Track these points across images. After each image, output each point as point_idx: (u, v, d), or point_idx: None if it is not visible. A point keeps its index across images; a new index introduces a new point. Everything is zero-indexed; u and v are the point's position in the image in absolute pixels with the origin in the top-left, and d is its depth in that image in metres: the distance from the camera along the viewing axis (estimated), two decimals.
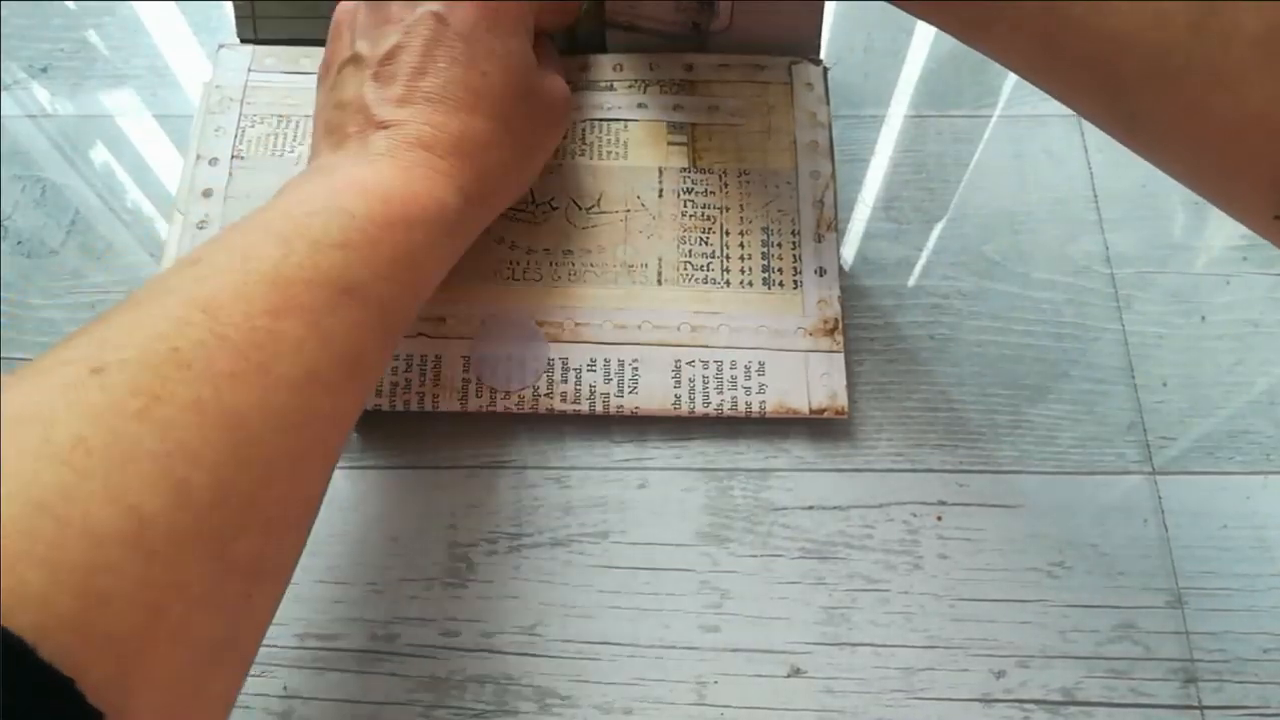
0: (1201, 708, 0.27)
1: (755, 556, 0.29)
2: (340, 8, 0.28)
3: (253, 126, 0.34)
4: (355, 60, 0.27)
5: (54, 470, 0.16)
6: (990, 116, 0.36)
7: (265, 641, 0.27)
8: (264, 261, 0.21)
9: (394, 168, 0.25)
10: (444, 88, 0.26)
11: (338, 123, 0.26)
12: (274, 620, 0.27)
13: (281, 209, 0.23)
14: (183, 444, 0.17)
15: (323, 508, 0.29)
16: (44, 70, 0.37)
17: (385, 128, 0.25)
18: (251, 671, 0.27)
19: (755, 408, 0.30)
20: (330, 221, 0.22)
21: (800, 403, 0.30)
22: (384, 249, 0.23)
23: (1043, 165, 0.35)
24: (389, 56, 0.26)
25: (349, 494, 0.30)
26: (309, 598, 0.28)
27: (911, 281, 0.33)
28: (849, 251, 0.33)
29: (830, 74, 0.35)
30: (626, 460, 0.30)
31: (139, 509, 0.16)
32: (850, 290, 0.32)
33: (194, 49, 0.38)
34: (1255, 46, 0.18)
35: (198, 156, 0.33)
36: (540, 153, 0.30)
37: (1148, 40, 0.19)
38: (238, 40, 0.35)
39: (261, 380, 0.19)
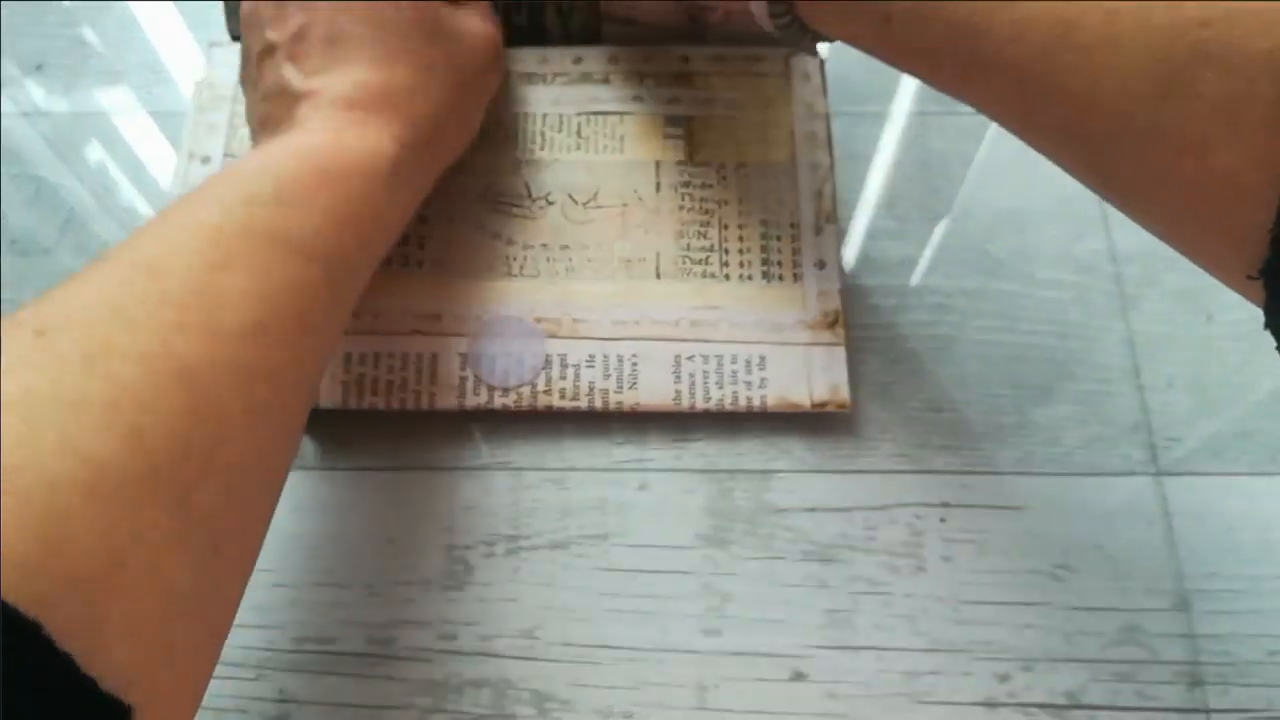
0: (1207, 711, 0.26)
1: (757, 559, 0.28)
2: (243, 9, 0.29)
3: (245, 124, 0.33)
4: (269, 50, 0.27)
5: (6, 420, 0.16)
6: None
7: (261, 645, 0.27)
8: (202, 223, 0.21)
9: (323, 129, 0.25)
10: (357, 48, 0.26)
11: (267, 113, 0.27)
12: (269, 623, 0.27)
13: (216, 179, 0.23)
14: (133, 394, 0.18)
15: (319, 510, 0.29)
16: (39, 68, 0.37)
17: (309, 98, 0.26)
18: (247, 675, 0.27)
19: (756, 402, 0.29)
20: (264, 180, 0.23)
21: (801, 397, 0.29)
22: (321, 202, 0.23)
23: (1047, 163, 0.34)
24: (298, 36, 0.27)
25: (345, 496, 0.29)
26: (305, 601, 0.28)
27: (915, 280, 0.33)
28: (851, 250, 0.33)
29: (832, 70, 0.34)
30: (626, 461, 0.30)
31: (92, 457, 0.17)
32: (853, 289, 0.32)
33: (189, 46, 0.37)
34: (1216, 112, 0.18)
35: (190, 154, 0.33)
36: (475, 94, 0.30)
37: (1114, 105, 0.20)
38: (229, 37, 0.35)
39: (208, 332, 0.20)
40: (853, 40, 0.26)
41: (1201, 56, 0.18)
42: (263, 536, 0.22)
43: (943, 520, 0.29)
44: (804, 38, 0.28)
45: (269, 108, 0.27)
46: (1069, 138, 0.22)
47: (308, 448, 0.30)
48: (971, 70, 0.23)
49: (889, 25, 0.24)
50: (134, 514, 0.17)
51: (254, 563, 0.22)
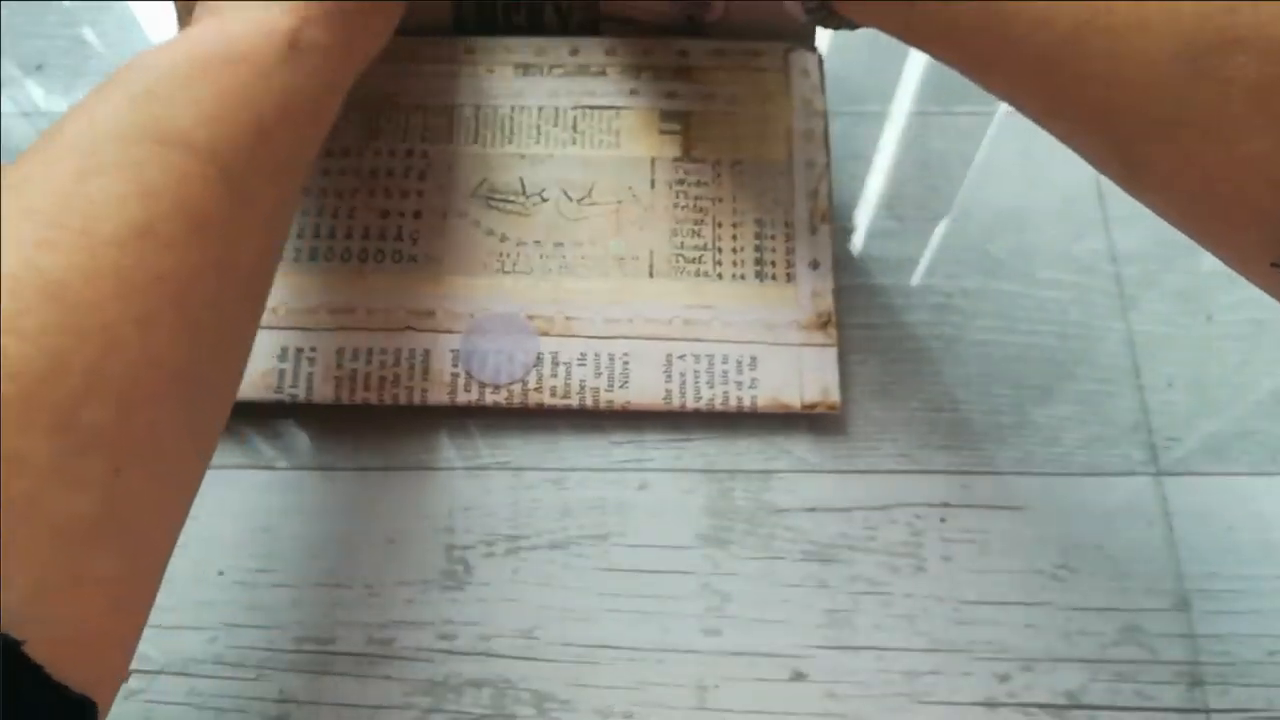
0: (1207, 711, 0.26)
1: (757, 559, 0.28)
2: None
3: None
4: None
5: None
6: (994, 113, 0.35)
7: (261, 645, 0.27)
8: (69, 132, 0.20)
9: (211, 21, 0.24)
10: None
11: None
12: (269, 623, 0.27)
13: (92, 91, 0.22)
14: None
15: (318, 510, 0.29)
16: (39, 68, 0.37)
17: None
18: (247, 675, 0.27)
19: (747, 402, 0.29)
20: (135, 76, 0.21)
21: (792, 397, 0.29)
22: (203, 89, 0.22)
23: (1048, 163, 0.34)
24: None
25: (345, 496, 0.29)
26: (305, 601, 0.28)
27: (915, 280, 0.33)
28: (852, 250, 0.33)
29: (831, 70, 0.34)
30: (626, 461, 0.30)
31: None
32: (853, 289, 0.32)
33: None
34: (1247, 98, 0.18)
35: None
36: None
37: (1141, 90, 0.20)
38: None
39: (81, 243, 0.18)
40: (880, 24, 0.25)
41: (1231, 41, 0.18)
42: (191, 465, 0.21)
43: (943, 520, 0.29)
44: (831, 24, 0.27)
45: (182, 29, 0.26)
46: (1094, 122, 0.22)
47: (304, 446, 0.30)
48: (997, 53, 0.23)
49: (916, 7, 0.24)
50: (10, 438, 0.16)
51: (181, 494, 0.21)
